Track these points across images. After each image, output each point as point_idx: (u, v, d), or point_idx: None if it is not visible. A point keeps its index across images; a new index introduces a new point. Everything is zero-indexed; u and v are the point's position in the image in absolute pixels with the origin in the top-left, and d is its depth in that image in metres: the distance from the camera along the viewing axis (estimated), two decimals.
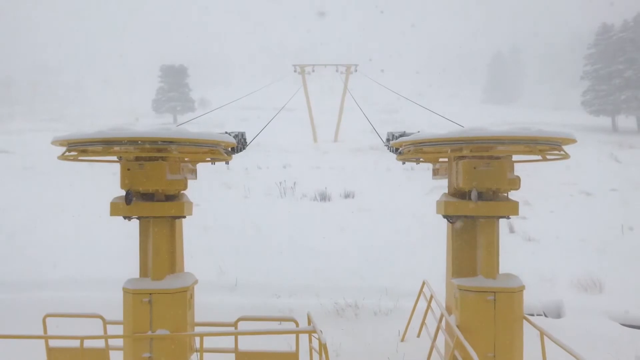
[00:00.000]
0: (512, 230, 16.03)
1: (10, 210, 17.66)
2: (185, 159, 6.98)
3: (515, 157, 6.88)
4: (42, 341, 7.19)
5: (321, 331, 6.40)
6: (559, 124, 51.60)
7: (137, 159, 6.31)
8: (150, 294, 6.30)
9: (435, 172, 8.03)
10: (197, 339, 6.66)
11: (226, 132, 7.23)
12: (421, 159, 7.80)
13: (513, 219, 10.31)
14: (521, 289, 6.68)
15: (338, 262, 12.78)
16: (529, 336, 6.89)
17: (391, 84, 25.08)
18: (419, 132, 7.16)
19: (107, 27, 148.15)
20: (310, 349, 7.14)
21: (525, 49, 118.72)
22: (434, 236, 9.81)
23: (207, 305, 8.97)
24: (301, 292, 11.21)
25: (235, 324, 7.44)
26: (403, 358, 8.24)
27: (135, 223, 6.75)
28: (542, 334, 6.62)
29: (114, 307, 7.28)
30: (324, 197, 21.01)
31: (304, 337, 7.28)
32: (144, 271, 6.72)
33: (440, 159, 7.72)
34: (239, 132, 7.63)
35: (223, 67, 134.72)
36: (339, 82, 46.75)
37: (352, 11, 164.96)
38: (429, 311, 8.33)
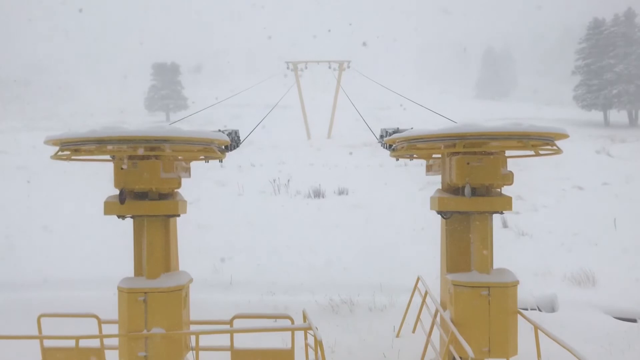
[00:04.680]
0: (505, 225, 16.09)
1: (3, 209, 17.56)
2: (179, 157, 6.98)
3: (508, 153, 6.91)
4: (37, 341, 7.17)
5: (317, 328, 6.42)
6: (551, 118, 51.89)
7: (131, 157, 6.30)
8: (145, 292, 6.30)
9: (429, 168, 8.05)
10: (193, 338, 6.67)
11: (220, 130, 7.25)
12: (414, 155, 7.81)
13: (506, 214, 10.35)
14: (515, 283, 6.72)
15: (332, 259, 12.79)
16: (523, 330, 6.94)
17: (384, 80, 25.11)
18: (412, 128, 7.19)
19: (99, 25, 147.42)
20: (306, 345, 7.16)
21: (516, 44, 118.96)
22: (428, 232, 9.85)
23: (202, 303, 8.96)
24: (296, 289, 11.22)
25: (230, 322, 7.44)
26: (398, 353, 8.27)
27: (129, 222, 6.74)
28: (536, 328, 6.67)
29: (109, 306, 7.28)
30: (317, 194, 21.02)
31: (299, 334, 7.30)
32: (138, 270, 6.72)
33: (434, 155, 7.74)
34: (232, 130, 7.64)
35: (215, 64, 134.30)
36: (332, 79, 46.74)
37: (343, 7, 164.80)
38: (424, 307, 8.35)
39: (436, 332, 7.42)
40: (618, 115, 57.18)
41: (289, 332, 7.17)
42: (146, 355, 6.27)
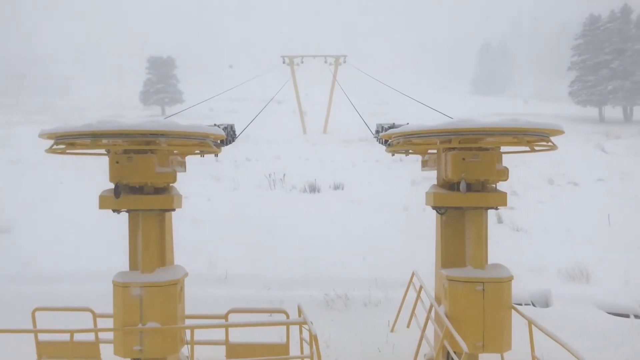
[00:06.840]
0: (500, 221, 16.14)
1: None
2: (174, 152, 6.96)
3: (503, 148, 6.93)
4: (32, 335, 7.16)
5: (312, 322, 6.43)
6: (547, 114, 51.91)
7: (126, 151, 6.28)
8: (140, 287, 6.30)
9: (424, 164, 8.05)
10: (188, 332, 6.67)
11: (215, 124, 7.22)
12: (410, 151, 7.82)
13: (501, 209, 10.37)
14: (510, 279, 6.74)
15: (328, 254, 12.81)
16: (518, 325, 6.96)
17: (380, 75, 25.09)
18: (408, 123, 7.18)
19: (94, 18, 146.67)
20: (301, 340, 7.18)
21: (513, 40, 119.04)
22: (423, 227, 9.85)
23: (197, 297, 8.96)
24: (291, 284, 11.23)
25: (225, 316, 7.46)
26: (393, 348, 8.29)
27: (124, 216, 6.73)
28: (531, 323, 6.69)
29: (104, 300, 7.27)
30: (313, 189, 21.02)
31: (294, 329, 7.32)
32: (133, 264, 6.71)
33: (429, 151, 7.74)
34: (228, 124, 7.62)
35: (211, 58, 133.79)
36: (328, 74, 46.61)
37: (340, 1, 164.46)
38: (419, 302, 8.37)
39: (430, 327, 7.44)
40: (613, 112, 57.36)
41: (284, 327, 7.19)
42: (141, 350, 6.27)
